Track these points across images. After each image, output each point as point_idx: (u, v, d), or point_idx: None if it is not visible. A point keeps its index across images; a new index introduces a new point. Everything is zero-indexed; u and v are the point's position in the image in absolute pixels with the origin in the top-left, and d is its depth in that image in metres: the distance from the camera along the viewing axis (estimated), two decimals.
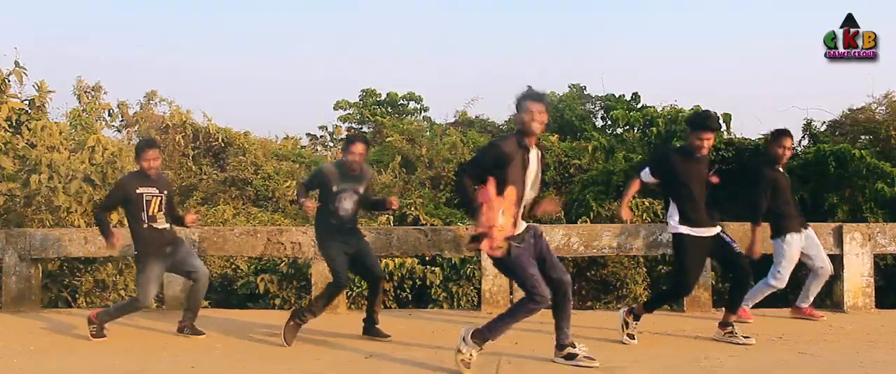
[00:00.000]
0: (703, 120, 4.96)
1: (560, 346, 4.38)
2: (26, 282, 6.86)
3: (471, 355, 4.19)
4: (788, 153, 5.78)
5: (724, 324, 5.13)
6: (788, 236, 5.72)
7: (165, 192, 5.54)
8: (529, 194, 4.26)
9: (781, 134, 5.77)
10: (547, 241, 4.45)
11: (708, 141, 4.88)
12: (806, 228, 5.84)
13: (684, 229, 4.89)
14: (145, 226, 5.39)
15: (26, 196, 7.96)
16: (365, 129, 21.36)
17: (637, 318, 5.15)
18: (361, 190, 5.30)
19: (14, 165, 8.05)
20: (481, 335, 4.20)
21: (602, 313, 6.93)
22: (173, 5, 58.30)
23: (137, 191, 5.39)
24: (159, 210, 5.46)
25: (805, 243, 5.81)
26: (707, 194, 4.96)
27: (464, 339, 4.21)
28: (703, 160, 4.97)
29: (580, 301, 8.86)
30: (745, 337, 5.00)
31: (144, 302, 5.43)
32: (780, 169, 5.76)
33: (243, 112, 43.77)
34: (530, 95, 4.23)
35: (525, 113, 4.18)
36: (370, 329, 5.36)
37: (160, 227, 5.45)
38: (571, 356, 4.33)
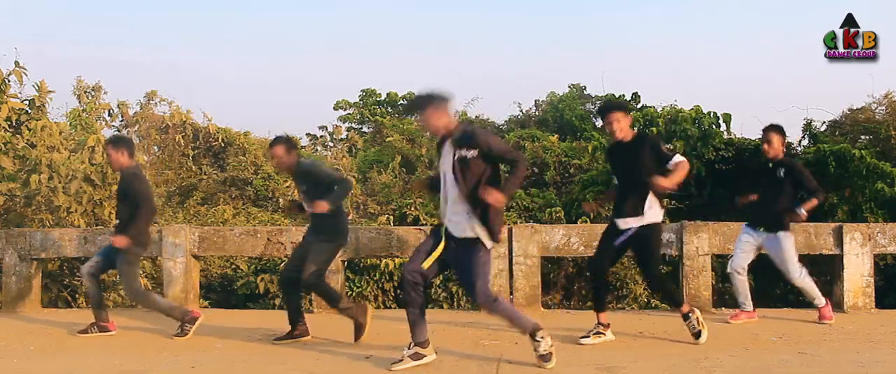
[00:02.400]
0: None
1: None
2: (26, 282, 6.86)
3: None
4: (765, 147, 5.69)
5: (683, 316, 5.02)
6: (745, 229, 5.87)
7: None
8: (448, 187, 4.19)
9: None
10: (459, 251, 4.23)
11: (614, 124, 4.76)
12: (765, 229, 5.73)
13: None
14: None
15: (26, 196, 7.96)
16: (365, 129, 21.37)
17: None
18: (303, 187, 5.27)
19: (14, 165, 8.05)
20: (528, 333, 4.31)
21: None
22: (174, 5, 58.34)
23: None
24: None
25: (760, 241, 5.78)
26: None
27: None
28: (631, 146, 4.80)
29: (580, 301, 8.85)
30: (699, 329, 4.92)
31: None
32: (770, 166, 5.70)
33: (243, 112, 43.86)
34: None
35: None
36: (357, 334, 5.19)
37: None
38: (418, 356, 4.32)
